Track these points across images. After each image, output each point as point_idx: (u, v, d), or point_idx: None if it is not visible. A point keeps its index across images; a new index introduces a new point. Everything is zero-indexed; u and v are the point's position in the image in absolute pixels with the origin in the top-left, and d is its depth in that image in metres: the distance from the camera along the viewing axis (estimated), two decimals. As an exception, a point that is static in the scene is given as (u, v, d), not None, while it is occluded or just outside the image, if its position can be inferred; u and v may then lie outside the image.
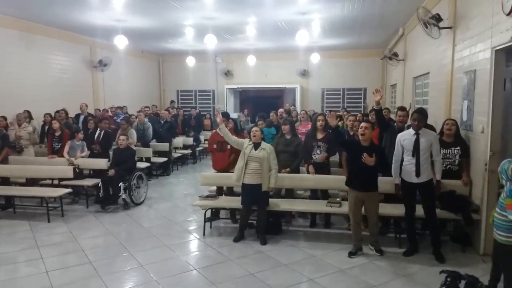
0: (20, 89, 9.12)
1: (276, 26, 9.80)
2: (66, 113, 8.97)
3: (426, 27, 5.92)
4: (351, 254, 4.65)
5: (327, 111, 12.51)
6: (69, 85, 10.85)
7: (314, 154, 5.60)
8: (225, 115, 6.03)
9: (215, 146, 5.90)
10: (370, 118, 5.76)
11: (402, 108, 5.54)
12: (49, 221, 5.89)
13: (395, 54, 10.37)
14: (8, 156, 6.77)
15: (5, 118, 7.60)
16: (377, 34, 11.10)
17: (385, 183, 4.78)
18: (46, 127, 8.39)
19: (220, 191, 5.97)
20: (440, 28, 5.82)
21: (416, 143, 4.46)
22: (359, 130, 4.58)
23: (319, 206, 5.32)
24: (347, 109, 12.64)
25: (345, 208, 5.04)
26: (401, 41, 10.25)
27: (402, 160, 4.60)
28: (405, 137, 4.57)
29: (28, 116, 8.52)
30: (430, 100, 7.37)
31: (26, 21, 9.15)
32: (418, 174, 4.45)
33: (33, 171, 6.60)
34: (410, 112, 5.40)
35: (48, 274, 4.18)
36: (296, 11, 8.29)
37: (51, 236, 5.34)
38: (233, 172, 5.75)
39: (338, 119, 5.59)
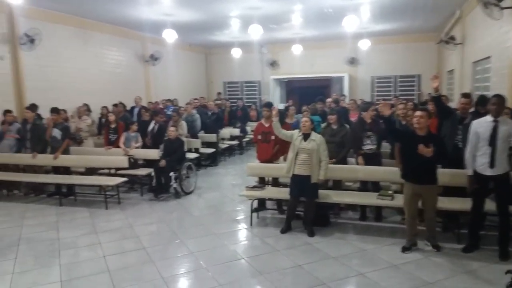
0: (78, 83, 9.70)
1: (322, 13, 9.55)
2: (124, 106, 9.40)
3: (486, 8, 5.46)
4: (404, 249, 4.45)
5: (378, 100, 12.08)
6: (123, 79, 11.38)
7: (364, 144, 5.41)
8: (268, 105, 5.99)
9: (259, 137, 5.90)
10: (429, 107, 5.40)
11: (465, 95, 5.15)
12: (107, 208, 6.24)
13: (452, 38, 9.72)
14: (70, 147, 7.21)
15: (65, 111, 8.11)
16: (432, 17, 10.46)
17: (444, 175, 4.50)
18: (103, 120, 8.86)
19: (262, 182, 5.97)
20: (502, 8, 5.34)
21: (494, 131, 4.07)
22: (414, 119, 4.31)
23: (369, 199, 5.14)
24: (399, 97, 12.09)
25: (397, 201, 4.83)
26: (459, 24, 9.59)
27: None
28: (481, 124, 4.17)
29: (87, 109, 9.06)
30: (491, 87, 6.85)
31: (81, 18, 9.68)
32: (492, 165, 4.09)
33: (92, 161, 7.00)
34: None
35: (106, 258, 4.43)
36: (344, -4, 8.02)
37: (108, 222, 5.65)
38: (277, 163, 5.76)
39: (392, 108, 5.32)
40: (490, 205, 4.34)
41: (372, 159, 5.40)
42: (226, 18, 10.10)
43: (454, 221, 4.92)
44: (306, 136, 4.92)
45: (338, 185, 5.74)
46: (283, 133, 5.15)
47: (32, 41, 8.13)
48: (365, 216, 5.55)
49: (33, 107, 7.71)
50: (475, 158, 4.23)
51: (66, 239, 5.01)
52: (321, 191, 5.22)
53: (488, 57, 7.11)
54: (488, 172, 4.14)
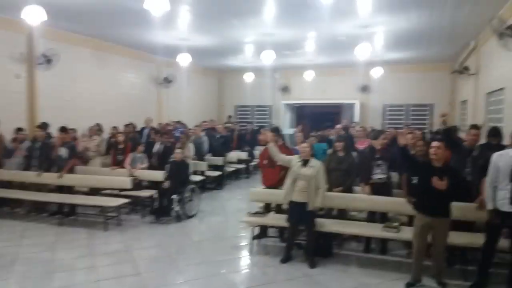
0: (91, 103, 9.86)
1: (335, 41, 9.60)
2: (134, 127, 9.46)
3: (501, 39, 5.39)
4: (409, 285, 4.23)
5: (388, 128, 11.90)
6: (136, 100, 11.57)
7: (374, 173, 5.25)
8: (276, 130, 5.93)
9: (265, 161, 5.79)
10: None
11: (475, 126, 5.02)
12: (106, 230, 6.14)
13: (466, 68, 9.59)
14: (76, 166, 7.23)
15: (74, 130, 8.20)
16: (446, 47, 10.39)
17: (457, 209, 4.29)
18: (113, 140, 8.93)
19: (267, 208, 5.83)
20: (517, 39, 5.25)
21: None
22: (431, 150, 4.13)
23: (374, 230, 4.94)
24: (411, 126, 11.90)
25: (404, 234, 4.63)
26: (473, 54, 9.48)
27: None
28: (503, 158, 4.00)
29: (99, 128, 9.17)
30: (505, 118, 6.66)
31: (98, 40, 9.94)
32: None
33: (95, 181, 6.98)
34: (482, 131, 4.88)
35: (100, 283, 4.31)
36: (358, 25, 8.04)
37: (107, 245, 5.54)
38: (282, 189, 5.62)
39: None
40: (502, 241, 4.12)
41: (382, 188, 5.21)
42: (240, 43, 10.24)
43: (460, 256, 4.69)
44: (305, 162, 4.81)
45: (343, 214, 5.55)
46: (281, 158, 5.06)
47: (49, 61, 8.33)
48: (370, 248, 5.32)
49: (43, 126, 7.83)
50: (495, 191, 4.04)
51: (62, 261, 4.92)
52: (323, 220, 5.06)
53: (502, 89, 6.95)
54: (506, 208, 3.93)
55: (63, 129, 7.11)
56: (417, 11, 7.16)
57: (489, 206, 4.09)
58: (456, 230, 4.52)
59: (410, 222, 5.04)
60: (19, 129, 7.36)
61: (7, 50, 7.87)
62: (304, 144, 4.98)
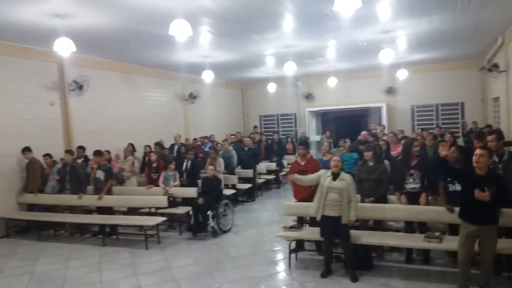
0: (121, 124, 10.20)
1: (357, 47, 9.56)
2: (162, 146, 9.71)
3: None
4: (455, 297, 4.13)
5: (418, 129, 11.68)
6: (163, 118, 11.87)
7: (407, 183, 5.16)
8: (304, 143, 5.95)
9: (296, 175, 5.81)
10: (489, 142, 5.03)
11: (492, 132, 4.89)
12: (147, 248, 6.32)
13: (495, 66, 9.32)
14: (112, 187, 7.48)
15: (108, 152, 8.50)
16: (472, 44, 10.16)
17: (507, 216, 4.18)
18: (147, 158, 9.16)
19: (301, 221, 5.84)
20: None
21: None
22: (474, 157, 3.97)
23: (415, 241, 4.85)
24: (442, 126, 11.65)
25: (447, 243, 4.53)
26: (501, 50, 9.22)
27: None
28: None
29: (132, 148, 9.47)
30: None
31: (125, 63, 10.31)
32: None
33: (133, 201, 7.23)
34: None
35: (146, 303, 4.44)
36: (379, 31, 8.00)
37: (148, 264, 5.70)
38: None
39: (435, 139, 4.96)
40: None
41: (416, 198, 5.11)
42: (261, 56, 10.37)
43: (507, 263, 4.53)
44: (335, 176, 4.81)
45: (379, 225, 5.49)
46: (309, 180, 5.09)
47: (80, 87, 8.69)
48: (412, 259, 5.21)
49: (81, 149, 8.17)
50: None
51: (108, 282, 5.10)
52: (358, 232, 5.02)
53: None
54: None
55: (98, 153, 7.38)
56: (439, 13, 7.06)
57: None
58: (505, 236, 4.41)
59: (451, 230, 4.95)
60: (47, 155, 7.70)
61: (41, 79, 8.27)
62: (336, 158, 4.96)
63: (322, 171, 5.02)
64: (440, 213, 4.73)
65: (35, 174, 7.54)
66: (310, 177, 5.09)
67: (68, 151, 7.66)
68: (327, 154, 6.80)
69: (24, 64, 7.88)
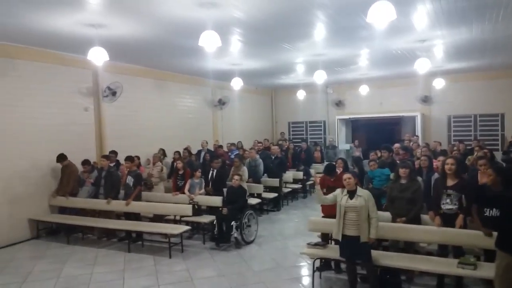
0: (152, 130, 10.37)
1: (391, 55, 9.26)
2: (189, 153, 9.77)
3: None
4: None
5: (456, 142, 11.17)
6: (193, 123, 11.99)
7: (443, 203, 4.86)
8: (329, 171, 5.86)
9: (325, 190, 5.64)
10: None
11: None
12: (170, 257, 6.34)
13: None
14: (141, 193, 7.59)
15: (138, 157, 8.63)
16: (514, 54, 9.59)
17: None
18: (175, 164, 9.24)
19: (326, 238, 5.66)
20: None
21: None
22: None
23: (447, 267, 4.56)
24: (480, 139, 11.07)
25: (482, 271, 4.23)
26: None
27: None
28: None
29: (163, 153, 9.58)
30: None
31: (156, 70, 10.49)
32: None
33: (159, 209, 7.30)
34: None
35: (166, 316, 4.42)
36: (414, 39, 7.71)
37: (171, 273, 5.70)
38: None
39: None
40: None
41: (452, 219, 4.79)
42: (291, 64, 10.27)
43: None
44: (351, 194, 4.60)
45: (410, 246, 5.22)
46: (328, 200, 4.90)
47: (113, 93, 8.90)
48: (443, 284, 4.91)
49: (113, 154, 8.36)
50: None
51: (130, 292, 5.14)
52: (389, 254, 4.79)
53: None
54: None
55: (129, 158, 7.50)
56: (479, 22, 6.70)
57: None
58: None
59: (487, 256, 4.63)
60: (86, 161, 7.89)
61: (76, 86, 8.53)
62: (347, 175, 4.74)
63: (338, 191, 4.82)
64: (477, 237, 4.44)
65: (69, 178, 7.76)
66: (328, 197, 4.92)
67: (105, 156, 7.85)
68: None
69: (60, 71, 8.14)
